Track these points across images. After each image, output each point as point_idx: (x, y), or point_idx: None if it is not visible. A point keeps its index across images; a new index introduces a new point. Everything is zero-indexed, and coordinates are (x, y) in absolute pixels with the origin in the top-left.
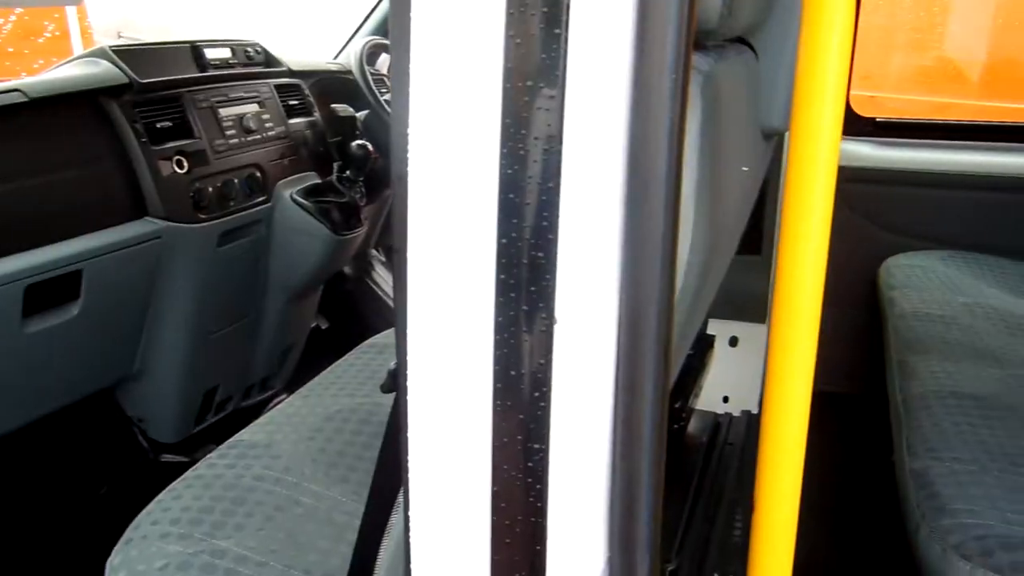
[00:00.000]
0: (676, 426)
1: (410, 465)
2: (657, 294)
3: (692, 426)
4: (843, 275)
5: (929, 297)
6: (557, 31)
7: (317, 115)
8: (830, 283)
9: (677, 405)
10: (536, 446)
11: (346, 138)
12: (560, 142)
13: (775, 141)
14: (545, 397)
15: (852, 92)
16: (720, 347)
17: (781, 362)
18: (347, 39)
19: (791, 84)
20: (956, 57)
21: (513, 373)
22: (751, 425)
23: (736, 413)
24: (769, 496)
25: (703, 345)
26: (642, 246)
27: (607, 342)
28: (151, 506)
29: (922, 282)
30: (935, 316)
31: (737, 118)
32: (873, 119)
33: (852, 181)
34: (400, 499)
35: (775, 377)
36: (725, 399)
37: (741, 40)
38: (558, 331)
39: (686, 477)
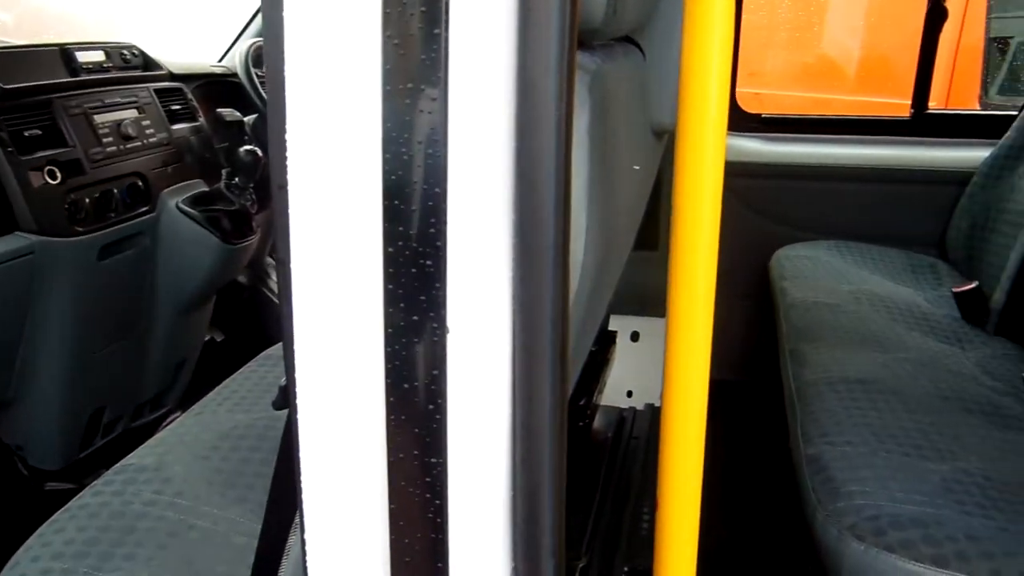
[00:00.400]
0: (581, 423)
1: (303, 485)
2: (551, 298)
3: (597, 422)
4: (737, 267)
5: (817, 286)
6: (437, 31)
7: (202, 120)
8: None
9: (582, 402)
10: (433, 460)
11: (234, 143)
12: (445, 146)
13: (666, 138)
14: (440, 409)
15: (739, 90)
16: (622, 342)
17: (678, 354)
18: (232, 40)
19: (678, 82)
20: (834, 55)
21: (406, 386)
22: (655, 418)
23: (640, 407)
24: (672, 487)
25: (605, 341)
26: (533, 249)
27: (502, 349)
28: (31, 540)
29: (810, 272)
30: (823, 304)
31: (626, 117)
32: (759, 115)
33: (741, 176)
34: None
35: (673, 369)
36: (629, 393)
37: (628, 39)
38: (451, 340)
39: (593, 473)
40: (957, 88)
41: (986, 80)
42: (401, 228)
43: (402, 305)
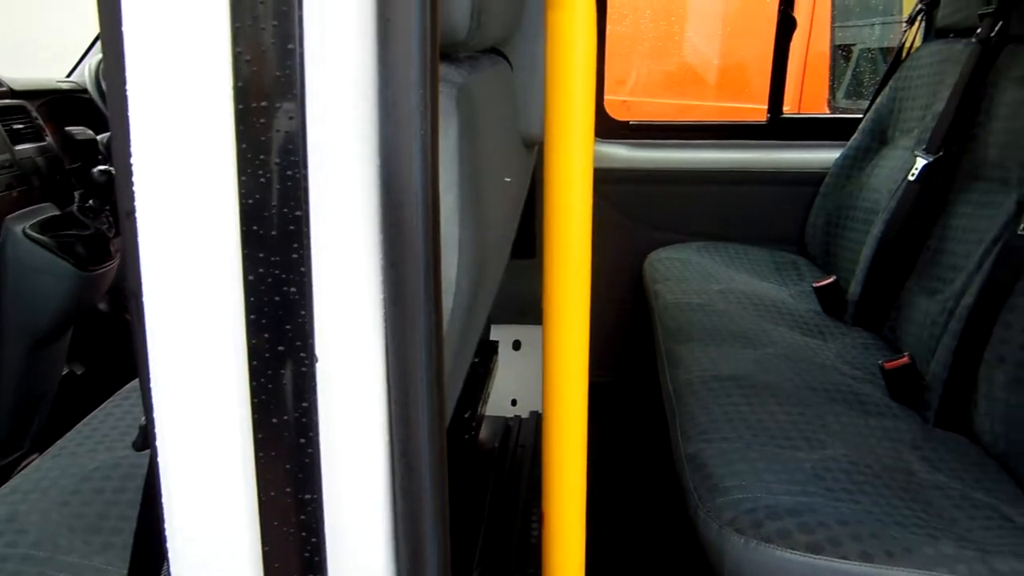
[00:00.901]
0: (467, 436)
1: (169, 531)
2: (423, 320)
3: (483, 433)
4: (612, 271)
5: (688, 287)
6: (291, 46)
7: (49, 139)
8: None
9: (467, 415)
10: (307, 496)
11: (87, 164)
12: (304, 167)
13: (536, 148)
14: (312, 442)
15: (607, 97)
16: (504, 351)
17: (557, 360)
18: (81, 54)
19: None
20: (697, 63)
21: (275, 420)
22: (540, 425)
23: (525, 415)
24: (556, 492)
25: (487, 352)
26: (403, 270)
27: (375, 376)
28: None
29: (681, 273)
30: (695, 305)
31: (496, 129)
32: (627, 122)
33: (612, 182)
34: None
35: (552, 375)
36: (514, 402)
37: (495, 51)
38: (320, 369)
39: (481, 484)
40: (808, 94)
41: (833, 85)
42: (261, 254)
43: (266, 335)
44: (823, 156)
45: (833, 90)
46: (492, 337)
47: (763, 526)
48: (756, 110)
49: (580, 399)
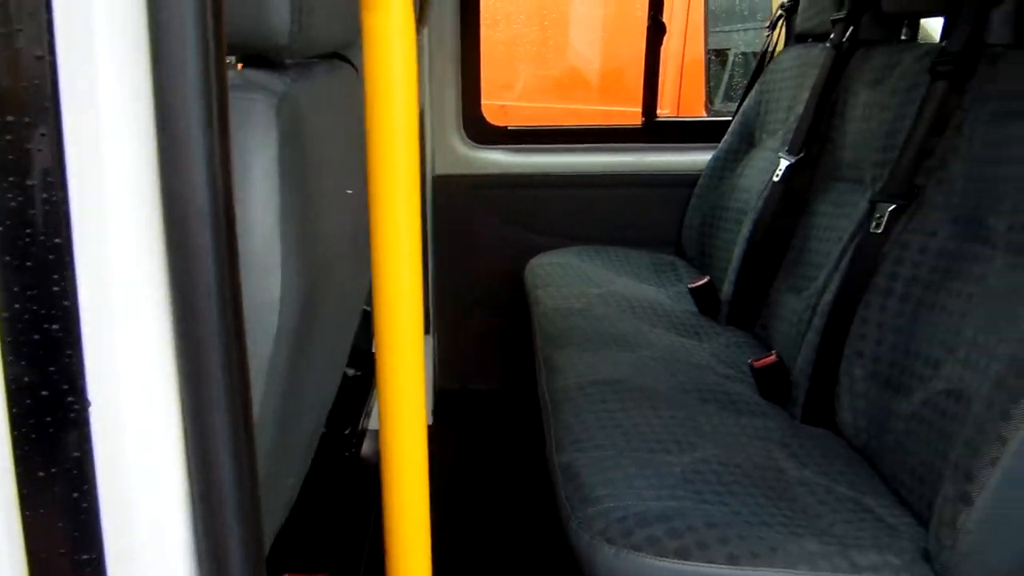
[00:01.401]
0: (348, 452)
1: None
2: (220, 347)
3: (366, 448)
4: (494, 278)
5: (568, 292)
6: (40, 54)
7: None
8: (483, 287)
9: (347, 431)
10: (85, 557)
11: None
12: (63, 188)
13: None
14: (88, 496)
15: (485, 102)
16: None
17: (390, 372)
18: None
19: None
20: (577, 67)
21: (42, 474)
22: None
23: None
24: (398, 512)
25: (366, 363)
26: (192, 293)
27: (165, 417)
28: None
29: (561, 278)
30: (574, 310)
31: (334, 138)
32: (505, 128)
33: (492, 187)
34: None
35: (387, 387)
36: None
37: (338, 55)
38: (95, 414)
39: (366, 501)
40: (686, 97)
41: (710, 89)
42: (16, 289)
43: (27, 379)
44: (697, 158)
45: (709, 93)
46: (375, 349)
47: (632, 534)
48: (636, 113)
49: (417, 411)
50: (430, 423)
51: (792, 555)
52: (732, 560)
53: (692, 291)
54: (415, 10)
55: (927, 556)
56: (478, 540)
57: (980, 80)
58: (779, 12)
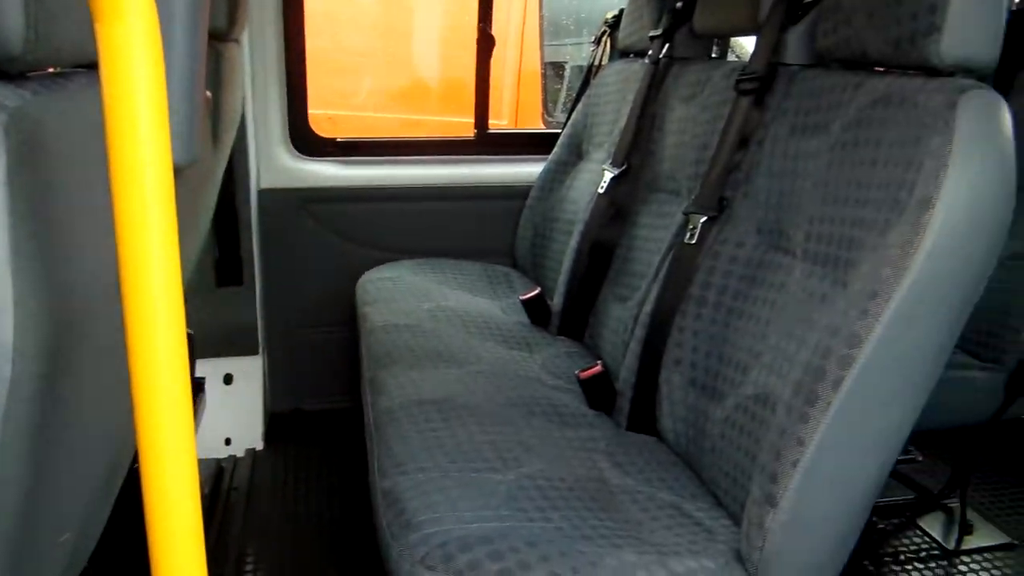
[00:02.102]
0: None
1: None
2: None
3: None
4: (328, 294)
5: (398, 308)
6: None
7: None
8: (316, 304)
9: None
10: None
11: None
12: None
13: (227, 168)
14: None
15: (315, 112)
16: (215, 387)
17: (146, 402)
18: None
19: (188, 111)
20: (415, 78)
21: None
22: (257, 463)
23: (240, 453)
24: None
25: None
26: None
27: None
28: None
29: (392, 294)
30: (402, 326)
31: (93, 159)
32: (334, 139)
33: (323, 201)
34: None
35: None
36: (228, 441)
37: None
38: None
39: None
40: (523, 109)
41: (547, 101)
42: None
43: None
44: (530, 170)
45: (547, 106)
46: (198, 373)
47: (454, 559)
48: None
49: (187, 486)
50: (260, 448)
51: (611, 568)
52: None
53: (524, 303)
54: (227, 15)
55: (740, 558)
56: (300, 571)
57: (778, 97)
58: (603, 28)
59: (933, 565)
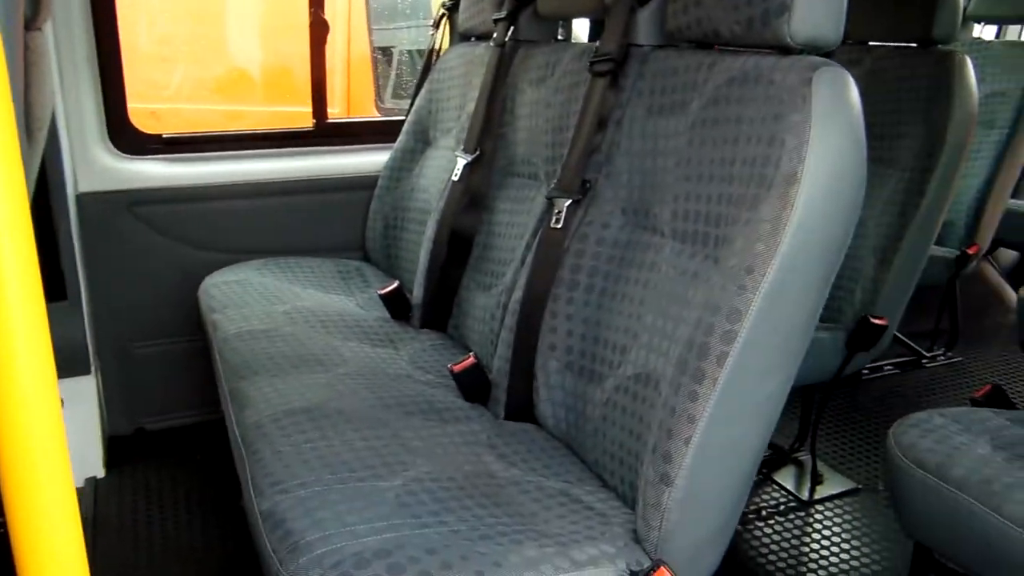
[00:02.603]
0: None
1: None
2: None
3: None
4: (167, 303)
5: (250, 313)
6: None
7: None
8: (152, 314)
9: None
10: None
11: None
12: None
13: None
14: None
15: (133, 106)
16: None
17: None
18: None
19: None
20: (245, 68)
21: None
22: (99, 494)
23: (80, 483)
24: None
25: None
26: None
27: None
28: None
29: (241, 298)
30: (258, 332)
31: None
32: (160, 136)
33: (152, 203)
34: None
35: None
36: None
37: None
38: None
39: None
40: (355, 96)
41: (379, 87)
42: None
43: None
44: (375, 159)
45: (380, 92)
46: None
47: None
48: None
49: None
50: (101, 475)
51: (515, 565)
52: None
53: (383, 297)
54: (25, 6)
55: (637, 538)
56: None
57: (633, 78)
58: (441, 11)
59: (792, 516)
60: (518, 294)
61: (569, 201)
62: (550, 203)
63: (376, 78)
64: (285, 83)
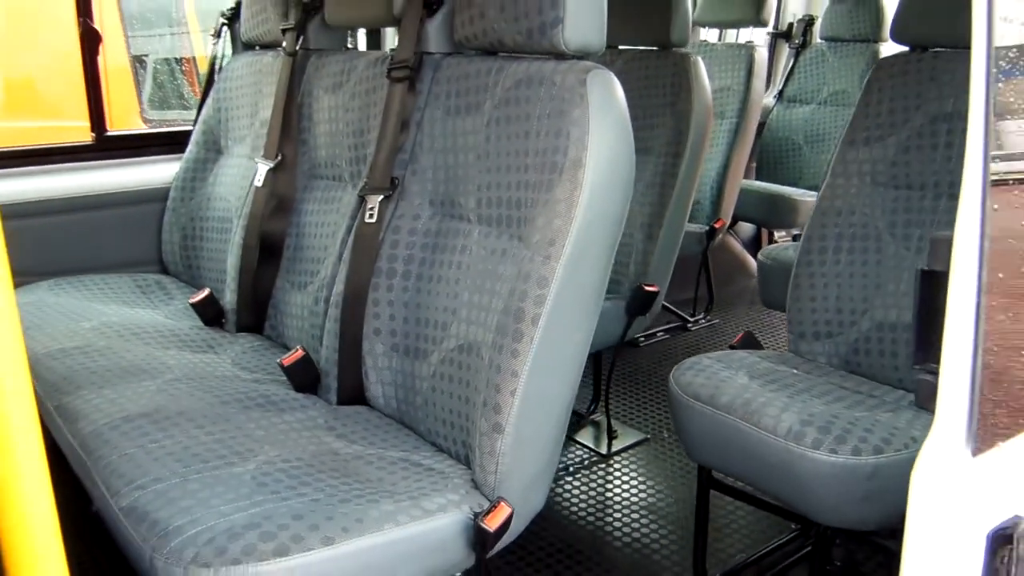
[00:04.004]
0: None
1: None
2: None
3: None
4: None
5: (56, 332)
6: None
7: None
8: None
9: None
10: None
11: None
12: None
13: None
14: None
15: None
16: None
17: None
18: None
19: None
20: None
21: None
22: None
23: None
24: None
25: None
26: None
27: None
28: None
29: (40, 320)
30: (71, 349)
31: None
32: None
33: None
34: None
35: None
36: None
37: None
38: None
39: None
40: (118, 108)
41: (142, 99)
42: None
43: None
44: (163, 170)
45: (142, 103)
46: None
47: (227, 551)
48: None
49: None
50: None
51: (376, 520)
52: (328, 542)
53: (194, 305)
54: None
55: (476, 486)
56: None
57: (428, 83)
58: (222, 21)
59: (594, 468)
60: (339, 287)
61: (381, 197)
62: (362, 200)
63: (139, 89)
64: (30, 96)
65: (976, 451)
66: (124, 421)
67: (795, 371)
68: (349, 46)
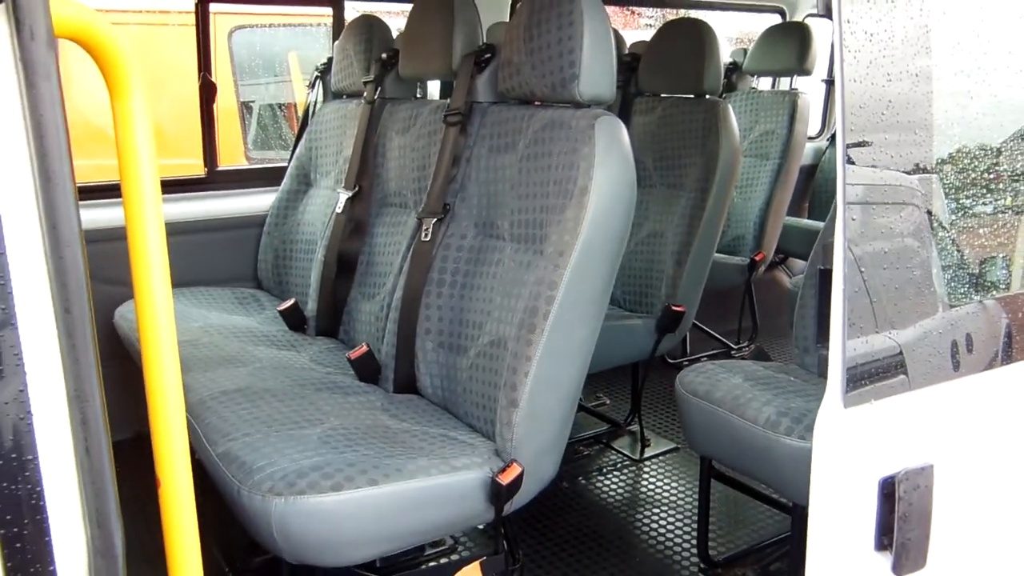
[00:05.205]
0: None
1: None
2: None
3: None
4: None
5: None
6: None
7: None
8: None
9: None
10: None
11: None
12: None
13: None
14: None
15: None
16: None
17: None
18: None
19: None
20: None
21: None
22: None
23: None
24: None
25: None
26: None
27: None
28: None
29: None
30: (183, 343)
31: None
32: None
33: None
34: None
35: None
36: None
37: None
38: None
39: None
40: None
41: (247, 140)
42: None
43: None
44: (262, 200)
45: (247, 144)
46: None
47: (295, 485)
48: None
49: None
50: None
51: (412, 470)
52: (372, 483)
53: (281, 313)
54: None
55: (497, 452)
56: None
57: (476, 126)
58: (316, 74)
59: (625, 471)
60: (398, 294)
61: (435, 220)
62: (420, 222)
63: (244, 131)
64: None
65: (848, 404)
66: (222, 394)
67: (791, 378)
68: (418, 95)
